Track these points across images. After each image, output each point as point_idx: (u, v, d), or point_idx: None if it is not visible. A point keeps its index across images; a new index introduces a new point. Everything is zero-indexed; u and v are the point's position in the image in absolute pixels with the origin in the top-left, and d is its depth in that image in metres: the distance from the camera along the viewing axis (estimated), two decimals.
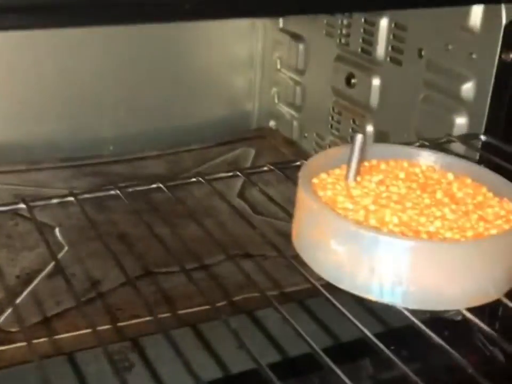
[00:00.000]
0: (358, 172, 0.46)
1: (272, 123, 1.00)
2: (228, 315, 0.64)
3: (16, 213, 0.76)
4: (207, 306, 0.61)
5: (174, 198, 0.85)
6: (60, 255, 0.69)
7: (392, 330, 0.69)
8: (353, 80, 0.80)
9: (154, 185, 0.65)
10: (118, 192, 0.57)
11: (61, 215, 0.77)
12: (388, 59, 0.75)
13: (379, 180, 0.47)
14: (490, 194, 0.47)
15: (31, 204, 0.52)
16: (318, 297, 0.70)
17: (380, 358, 0.41)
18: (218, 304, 0.62)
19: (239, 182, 0.88)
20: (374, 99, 0.78)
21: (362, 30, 0.78)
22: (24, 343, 0.55)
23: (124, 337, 0.58)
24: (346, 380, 0.38)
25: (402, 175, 0.48)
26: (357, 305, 0.71)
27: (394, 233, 0.41)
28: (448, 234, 0.41)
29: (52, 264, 0.67)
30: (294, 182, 0.90)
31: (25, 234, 0.73)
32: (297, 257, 0.72)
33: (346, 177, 0.46)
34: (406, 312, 0.40)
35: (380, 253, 0.40)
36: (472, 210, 0.45)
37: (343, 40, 0.82)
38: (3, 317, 0.59)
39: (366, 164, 0.49)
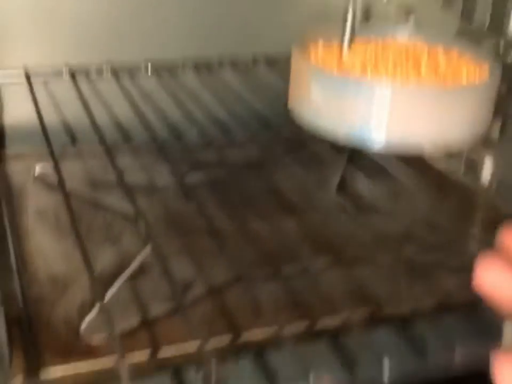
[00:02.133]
0: (351, 41, 0.51)
1: None
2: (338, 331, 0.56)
3: (95, 202, 0.70)
4: (313, 321, 0.53)
5: (268, 188, 0.78)
6: (144, 252, 0.62)
7: None
8: None
9: None
10: None
11: (144, 205, 0.69)
12: None
13: (370, 49, 0.53)
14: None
15: None
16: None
17: None
18: (328, 320, 0.53)
19: (339, 171, 0.78)
20: None
21: None
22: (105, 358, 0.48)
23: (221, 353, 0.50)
24: None
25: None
26: None
27: (369, 79, 0.45)
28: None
29: (136, 261, 0.60)
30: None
31: (107, 226, 0.66)
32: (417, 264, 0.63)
33: (341, 42, 0.52)
34: None
35: (356, 97, 0.43)
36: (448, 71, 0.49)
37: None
38: (84, 324, 0.51)
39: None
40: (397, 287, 0.58)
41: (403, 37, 0.56)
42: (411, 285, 0.59)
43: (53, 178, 0.72)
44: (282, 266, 0.59)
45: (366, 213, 0.70)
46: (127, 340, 0.50)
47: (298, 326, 0.53)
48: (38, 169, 0.73)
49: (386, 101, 0.44)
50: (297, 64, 0.51)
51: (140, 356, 0.49)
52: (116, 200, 0.70)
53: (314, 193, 0.74)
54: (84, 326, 0.51)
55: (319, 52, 0.54)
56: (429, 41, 0.55)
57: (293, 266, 0.60)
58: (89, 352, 0.49)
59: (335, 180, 0.76)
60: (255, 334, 0.52)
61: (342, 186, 0.76)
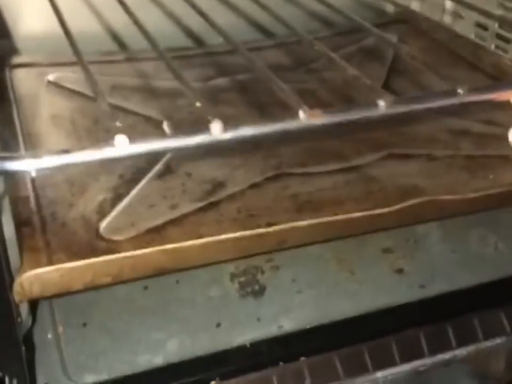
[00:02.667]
0: None
1: (415, 4, 0.82)
2: (390, 223, 0.49)
3: (115, 105, 0.63)
4: (363, 213, 0.47)
5: (303, 89, 0.70)
6: (170, 153, 0.55)
7: None
8: None
9: None
10: None
11: (168, 109, 0.63)
12: None
13: None
14: None
15: None
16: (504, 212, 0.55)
17: None
18: (379, 211, 0.47)
19: (383, 71, 0.71)
20: None
21: None
22: (132, 253, 0.42)
23: (260, 247, 0.44)
24: None
25: None
26: None
27: None
28: None
29: (162, 161, 0.54)
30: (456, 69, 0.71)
31: (127, 129, 0.59)
32: (474, 157, 0.56)
33: None
34: None
35: None
36: None
37: None
38: (105, 223, 0.46)
39: None
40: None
41: None
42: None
43: (68, 83, 0.66)
44: (328, 162, 0.53)
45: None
46: (154, 238, 0.44)
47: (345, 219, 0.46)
48: (51, 75, 0.66)
49: None
50: None
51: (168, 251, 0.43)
52: (137, 104, 0.63)
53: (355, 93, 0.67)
54: (104, 225, 0.45)
55: None
56: None
57: (340, 161, 0.53)
58: (110, 251, 0.43)
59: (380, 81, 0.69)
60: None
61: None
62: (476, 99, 0.37)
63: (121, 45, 0.75)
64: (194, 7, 0.54)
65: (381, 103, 0.35)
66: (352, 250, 0.55)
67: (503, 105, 0.63)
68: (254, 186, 0.51)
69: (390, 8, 0.85)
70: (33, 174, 0.31)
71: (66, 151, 0.32)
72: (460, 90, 0.37)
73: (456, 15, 0.76)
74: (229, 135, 0.34)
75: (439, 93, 0.37)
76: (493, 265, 0.55)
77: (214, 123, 0.34)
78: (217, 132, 0.33)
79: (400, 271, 0.54)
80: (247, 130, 0.33)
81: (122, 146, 0.33)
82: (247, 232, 0.42)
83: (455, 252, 0.56)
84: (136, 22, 0.48)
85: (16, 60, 0.70)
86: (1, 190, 0.47)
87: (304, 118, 0.34)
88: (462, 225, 0.57)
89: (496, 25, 0.70)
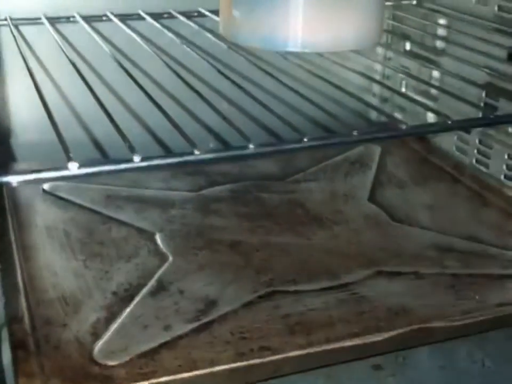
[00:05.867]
0: None
1: (397, 115, 0.85)
2: (383, 350, 0.50)
3: (109, 216, 0.65)
4: (354, 340, 0.48)
5: (291, 200, 0.72)
6: (163, 267, 0.56)
7: None
8: None
9: None
10: None
11: (160, 219, 0.64)
12: None
13: None
14: None
15: None
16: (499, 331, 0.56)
17: None
18: (370, 339, 0.47)
19: (367, 181, 0.73)
20: None
21: None
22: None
23: (253, 377, 0.44)
24: None
25: None
26: None
27: None
28: None
29: (155, 278, 0.54)
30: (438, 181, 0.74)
31: (120, 241, 0.60)
32: (460, 276, 0.58)
33: None
34: None
35: (271, 7, 0.52)
36: None
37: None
38: (98, 345, 0.46)
39: None
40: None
41: None
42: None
43: (62, 192, 0.68)
44: (319, 279, 0.54)
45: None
46: (147, 363, 0.44)
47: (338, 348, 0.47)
48: (46, 184, 0.68)
49: (298, 8, 0.52)
50: None
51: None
52: (130, 215, 0.65)
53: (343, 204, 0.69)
54: (97, 348, 0.46)
55: None
56: None
57: (331, 279, 0.54)
58: (104, 378, 0.43)
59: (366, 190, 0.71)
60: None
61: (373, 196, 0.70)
62: None
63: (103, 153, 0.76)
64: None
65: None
66: (343, 367, 0.55)
67: (486, 222, 0.65)
68: (246, 305, 0.51)
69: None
70: None
71: None
72: None
73: None
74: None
75: None
76: (481, 382, 0.55)
77: None
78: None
79: None
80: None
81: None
82: (241, 364, 0.43)
83: (443, 368, 0.56)
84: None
85: (14, 167, 0.72)
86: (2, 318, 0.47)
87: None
88: (449, 342, 0.58)
89: (477, 140, 0.73)
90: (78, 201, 0.66)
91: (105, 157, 0.72)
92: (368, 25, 0.56)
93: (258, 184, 0.73)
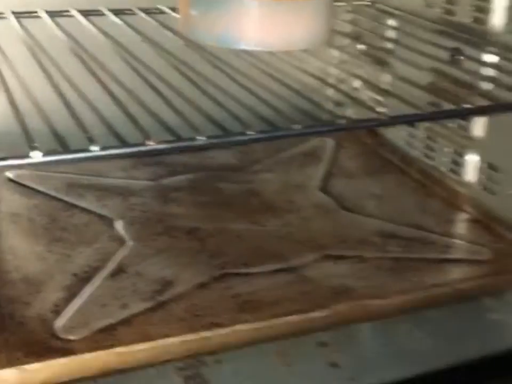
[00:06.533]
0: None
1: (350, 111, 0.89)
2: (323, 327, 0.54)
3: (71, 203, 0.67)
4: (299, 316, 0.52)
5: (247, 190, 0.76)
6: (122, 252, 0.59)
7: None
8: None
9: None
10: None
11: (121, 207, 0.67)
12: None
13: None
14: None
15: None
16: (429, 309, 0.60)
17: None
18: (313, 315, 0.51)
19: (319, 172, 0.77)
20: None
21: None
22: (86, 355, 0.45)
23: (205, 349, 0.48)
24: None
25: None
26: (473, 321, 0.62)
27: None
28: None
29: (114, 261, 0.58)
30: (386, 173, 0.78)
31: (82, 227, 0.63)
32: (401, 260, 0.62)
33: None
34: None
35: (227, 7, 0.56)
36: None
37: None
38: (60, 322, 0.49)
39: None
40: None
41: None
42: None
43: (26, 180, 0.70)
44: (270, 262, 0.58)
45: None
46: (106, 338, 0.48)
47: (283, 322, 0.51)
48: (10, 172, 0.70)
49: (251, 8, 0.57)
50: None
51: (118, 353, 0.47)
52: (91, 203, 0.68)
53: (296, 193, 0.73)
54: (59, 324, 0.49)
55: None
56: None
57: (277, 262, 0.58)
58: (65, 351, 0.46)
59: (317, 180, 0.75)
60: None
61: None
62: None
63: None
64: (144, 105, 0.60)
65: None
66: (291, 344, 0.59)
67: (428, 211, 0.70)
68: (200, 286, 0.55)
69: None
70: None
71: None
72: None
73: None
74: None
75: None
76: (420, 360, 0.60)
77: None
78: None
79: (334, 364, 0.58)
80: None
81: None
82: (192, 336, 0.46)
83: (386, 345, 0.61)
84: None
85: None
86: None
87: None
88: (392, 321, 0.62)
89: (424, 135, 0.77)
90: (41, 189, 0.69)
91: (64, 147, 0.75)
92: (317, 26, 0.60)
93: (216, 174, 0.76)
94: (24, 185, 0.69)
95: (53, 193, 0.68)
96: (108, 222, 0.65)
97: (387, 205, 0.71)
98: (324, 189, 0.74)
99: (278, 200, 0.71)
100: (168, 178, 0.74)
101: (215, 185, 0.74)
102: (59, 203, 0.67)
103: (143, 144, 0.43)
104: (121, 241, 0.61)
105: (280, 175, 0.77)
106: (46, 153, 0.41)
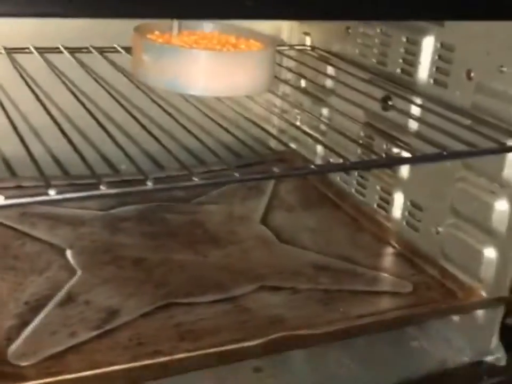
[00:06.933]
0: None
1: (293, 145, 0.95)
2: (257, 355, 0.59)
3: (23, 232, 0.71)
4: (236, 345, 0.56)
5: (192, 221, 0.81)
6: (72, 281, 0.63)
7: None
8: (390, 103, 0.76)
9: None
10: None
11: (71, 236, 0.71)
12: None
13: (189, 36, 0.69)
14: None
15: None
16: (355, 337, 0.66)
17: None
18: (248, 344, 0.56)
19: (261, 205, 0.82)
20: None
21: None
22: (36, 381, 0.49)
23: (146, 376, 0.52)
24: None
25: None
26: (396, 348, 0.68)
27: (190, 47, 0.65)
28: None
29: (64, 290, 0.61)
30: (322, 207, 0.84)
31: (34, 256, 0.67)
32: (331, 291, 0.68)
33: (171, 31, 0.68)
34: None
35: (176, 58, 0.62)
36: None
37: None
38: (12, 349, 0.53)
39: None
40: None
41: (210, 29, 0.73)
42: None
43: None
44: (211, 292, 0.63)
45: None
46: (55, 364, 0.51)
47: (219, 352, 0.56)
48: None
49: (199, 59, 0.63)
50: (135, 40, 0.66)
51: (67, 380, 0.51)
52: (43, 232, 0.71)
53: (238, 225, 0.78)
54: (10, 351, 0.52)
55: (154, 36, 0.68)
56: (226, 32, 0.72)
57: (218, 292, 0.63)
58: (16, 376, 0.50)
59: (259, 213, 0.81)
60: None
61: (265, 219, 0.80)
62: None
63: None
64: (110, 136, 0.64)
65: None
66: (229, 369, 0.64)
67: (361, 243, 0.76)
68: (144, 315, 0.59)
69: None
70: None
71: None
72: None
73: (324, 160, 0.90)
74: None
75: None
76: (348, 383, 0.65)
77: None
78: None
79: None
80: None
81: None
82: (135, 364, 0.51)
83: (316, 371, 0.66)
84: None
85: None
86: None
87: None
88: (321, 348, 0.68)
89: (356, 173, 0.84)
90: None
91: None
92: (259, 74, 0.66)
93: (163, 205, 0.81)
94: None
95: (5, 221, 0.72)
96: (59, 251, 0.68)
97: (321, 237, 0.77)
98: (265, 221, 0.79)
99: (220, 231, 0.76)
100: (118, 209, 0.78)
101: (162, 216, 0.78)
102: (12, 231, 0.70)
103: (96, 189, 0.47)
104: (71, 270, 0.65)
105: (224, 206, 0.82)
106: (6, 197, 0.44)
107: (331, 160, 0.89)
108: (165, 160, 0.73)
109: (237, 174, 0.50)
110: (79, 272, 0.65)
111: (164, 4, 0.40)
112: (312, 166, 0.53)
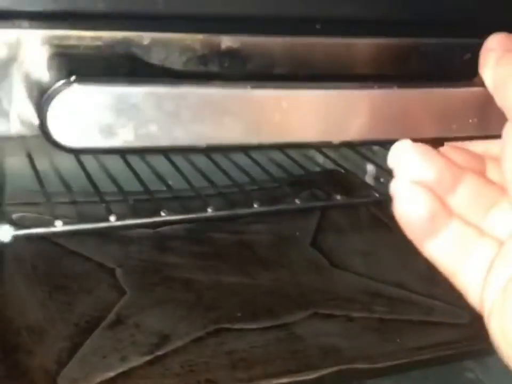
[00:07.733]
0: None
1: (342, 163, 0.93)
2: None
3: (71, 250, 0.70)
4: (290, 378, 0.54)
5: (241, 241, 0.79)
6: (121, 301, 0.62)
7: None
8: None
9: None
10: None
11: (120, 255, 0.70)
12: None
13: None
14: None
15: None
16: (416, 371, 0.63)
17: None
18: (304, 378, 0.54)
19: (311, 226, 0.80)
20: None
21: None
22: None
23: None
24: None
25: None
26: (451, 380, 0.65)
27: None
28: None
29: (114, 311, 0.60)
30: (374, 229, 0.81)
31: (82, 275, 0.66)
32: (385, 321, 0.65)
33: None
34: None
35: None
36: None
37: None
38: (61, 373, 0.51)
39: None
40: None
41: None
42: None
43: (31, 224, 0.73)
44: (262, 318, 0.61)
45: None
46: None
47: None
48: (15, 215, 0.73)
49: None
50: None
51: None
52: (91, 250, 0.70)
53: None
54: (60, 375, 0.51)
55: None
56: None
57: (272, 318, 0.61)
58: None
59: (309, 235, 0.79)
60: None
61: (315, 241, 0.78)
62: None
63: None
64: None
65: None
66: None
67: (413, 269, 0.73)
68: (195, 340, 0.58)
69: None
70: None
71: None
72: None
73: (377, 179, 0.88)
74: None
75: None
76: None
77: None
78: None
79: None
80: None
81: None
82: None
83: None
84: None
85: None
86: None
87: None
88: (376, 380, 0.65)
89: None
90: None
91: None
92: None
93: (210, 224, 0.79)
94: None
95: (53, 238, 0.71)
96: (108, 270, 0.67)
97: (373, 261, 0.75)
98: (314, 244, 0.77)
99: (269, 253, 0.74)
100: (165, 227, 0.77)
101: (209, 235, 0.77)
102: (60, 248, 0.69)
103: (158, 215, 0.45)
104: (120, 291, 0.64)
105: (272, 226, 0.80)
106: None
107: (381, 179, 0.87)
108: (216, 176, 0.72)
109: (297, 201, 0.49)
110: (128, 293, 0.64)
111: None
112: (377, 194, 0.51)
